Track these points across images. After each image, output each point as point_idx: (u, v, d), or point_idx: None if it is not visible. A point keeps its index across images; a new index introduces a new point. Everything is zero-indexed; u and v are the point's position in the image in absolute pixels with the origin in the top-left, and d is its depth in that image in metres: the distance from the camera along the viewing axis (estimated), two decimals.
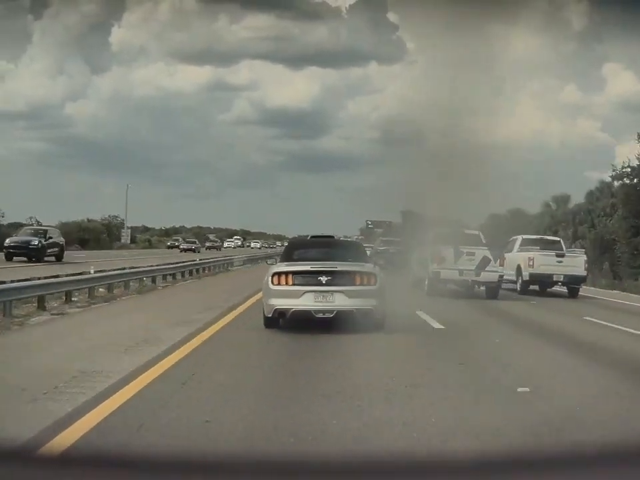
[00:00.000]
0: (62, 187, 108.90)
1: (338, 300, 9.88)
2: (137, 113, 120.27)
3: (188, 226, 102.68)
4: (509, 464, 2.89)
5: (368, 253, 13.12)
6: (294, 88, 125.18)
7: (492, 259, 17.62)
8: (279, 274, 10.15)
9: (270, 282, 10.11)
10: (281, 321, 10.28)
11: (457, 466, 2.99)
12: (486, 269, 17.48)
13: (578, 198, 40.33)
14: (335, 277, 9.98)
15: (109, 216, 65.59)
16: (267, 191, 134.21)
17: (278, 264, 10.88)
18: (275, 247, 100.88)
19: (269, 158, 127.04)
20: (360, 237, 65.21)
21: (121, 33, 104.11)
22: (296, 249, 11.77)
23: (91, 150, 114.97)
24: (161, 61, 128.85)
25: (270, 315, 10.11)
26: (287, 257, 11.07)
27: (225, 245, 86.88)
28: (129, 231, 65.56)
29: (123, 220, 66.16)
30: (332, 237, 12.39)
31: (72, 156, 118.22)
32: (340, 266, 10.23)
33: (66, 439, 4.70)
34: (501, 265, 17.94)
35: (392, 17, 74.81)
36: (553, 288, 20.46)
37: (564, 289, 20.27)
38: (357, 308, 9.90)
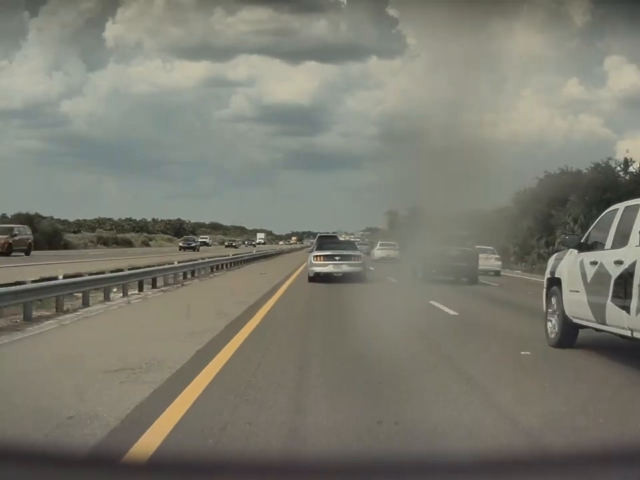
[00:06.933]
0: (57, 185, 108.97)
1: (344, 267, 20.73)
2: (134, 110, 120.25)
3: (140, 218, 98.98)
4: (509, 464, 2.90)
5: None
6: (292, 83, 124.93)
7: None
8: (317, 255, 20.94)
9: (312, 259, 20.95)
10: (316, 278, 20.47)
11: (457, 466, 3.00)
12: None
13: None
14: (343, 257, 20.89)
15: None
16: (256, 188, 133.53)
17: (315, 250, 21.72)
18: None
19: (266, 155, 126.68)
20: (366, 233, 68.77)
21: (115, 28, 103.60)
22: (324, 244, 23.04)
23: (88, 147, 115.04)
24: (157, 56, 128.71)
25: (312, 275, 20.67)
26: (319, 247, 22.21)
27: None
28: None
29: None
30: (336, 235, 22.93)
31: (67, 154, 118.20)
32: (345, 252, 21.36)
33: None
34: None
35: (391, 11, 74.58)
36: None
37: None
38: (353, 271, 20.73)
